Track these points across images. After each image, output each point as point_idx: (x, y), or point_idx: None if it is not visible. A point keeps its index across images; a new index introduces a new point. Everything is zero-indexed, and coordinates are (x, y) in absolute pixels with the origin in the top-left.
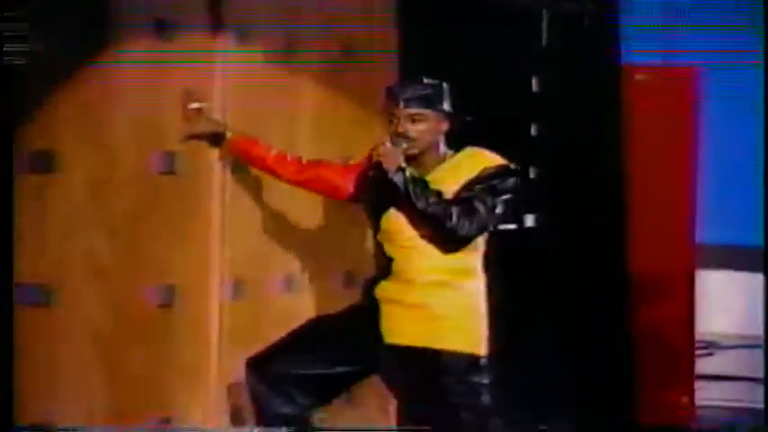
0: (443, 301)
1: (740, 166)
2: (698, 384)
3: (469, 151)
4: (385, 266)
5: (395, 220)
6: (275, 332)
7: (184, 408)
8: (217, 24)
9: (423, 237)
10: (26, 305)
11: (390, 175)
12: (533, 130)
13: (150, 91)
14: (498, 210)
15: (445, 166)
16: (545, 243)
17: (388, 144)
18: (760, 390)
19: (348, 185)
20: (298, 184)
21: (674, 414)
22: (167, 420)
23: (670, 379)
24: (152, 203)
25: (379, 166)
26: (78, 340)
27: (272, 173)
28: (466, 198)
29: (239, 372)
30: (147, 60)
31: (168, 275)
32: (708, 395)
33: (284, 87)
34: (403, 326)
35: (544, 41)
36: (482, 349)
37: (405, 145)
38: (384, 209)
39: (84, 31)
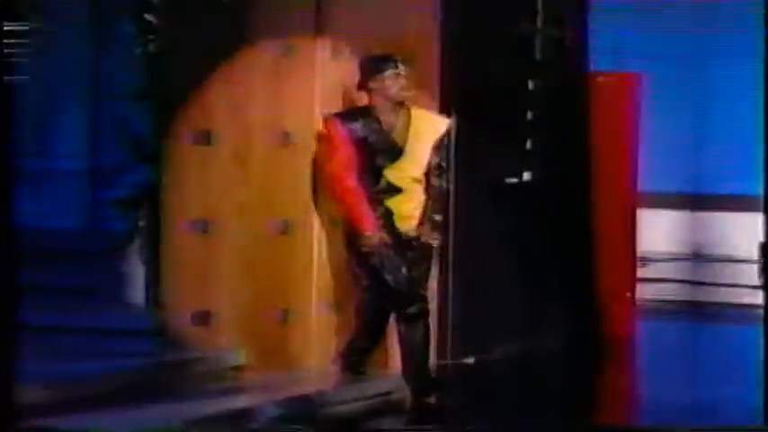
0: None
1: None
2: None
3: None
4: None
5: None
6: None
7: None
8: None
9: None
10: (193, 232)
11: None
12: (529, 115)
13: (274, 88)
14: None
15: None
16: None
17: None
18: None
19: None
20: None
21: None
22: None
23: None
24: (275, 166)
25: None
26: (224, 254)
27: None
28: None
29: None
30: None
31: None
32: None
33: None
34: None
35: (537, 56)
36: None
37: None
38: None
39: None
